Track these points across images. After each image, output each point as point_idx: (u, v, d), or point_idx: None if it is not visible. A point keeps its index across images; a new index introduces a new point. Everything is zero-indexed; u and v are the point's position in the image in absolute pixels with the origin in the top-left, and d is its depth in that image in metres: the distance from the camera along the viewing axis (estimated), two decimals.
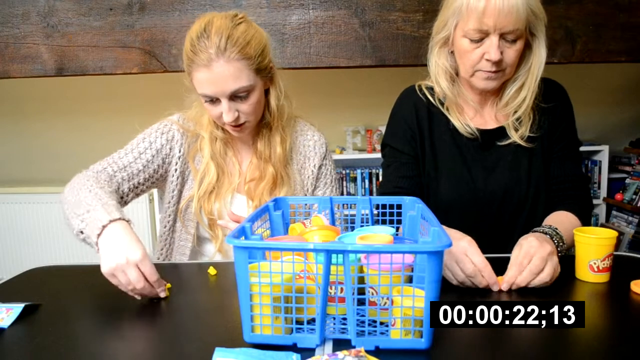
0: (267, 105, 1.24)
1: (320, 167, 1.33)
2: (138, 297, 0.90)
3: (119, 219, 0.93)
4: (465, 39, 1.09)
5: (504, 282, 0.90)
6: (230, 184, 1.26)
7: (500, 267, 0.94)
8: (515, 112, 1.18)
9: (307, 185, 1.31)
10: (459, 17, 1.09)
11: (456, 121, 1.20)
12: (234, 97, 1.12)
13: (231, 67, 1.09)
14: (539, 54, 1.13)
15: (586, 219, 1.17)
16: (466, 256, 0.91)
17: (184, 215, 1.26)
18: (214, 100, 1.13)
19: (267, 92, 1.23)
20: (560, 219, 1.12)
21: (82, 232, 0.96)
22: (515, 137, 1.19)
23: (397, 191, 1.21)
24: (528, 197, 1.19)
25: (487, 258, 0.93)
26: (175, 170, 1.24)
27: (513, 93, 1.17)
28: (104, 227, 0.91)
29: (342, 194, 3.08)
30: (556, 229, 1.03)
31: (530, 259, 0.91)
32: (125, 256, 0.87)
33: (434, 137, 1.23)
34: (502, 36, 1.06)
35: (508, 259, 0.93)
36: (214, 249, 1.26)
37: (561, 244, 1.00)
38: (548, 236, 0.99)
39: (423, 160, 1.24)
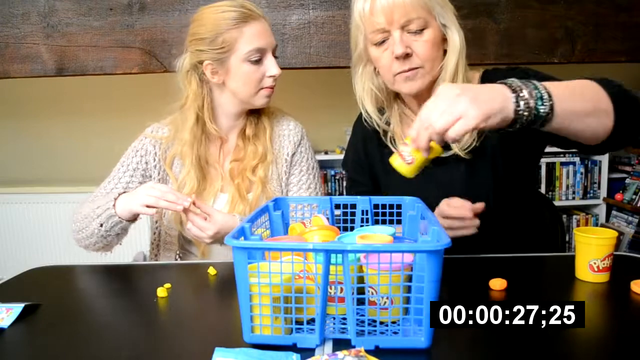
0: None
1: (293, 155, 1.32)
2: (179, 207, 1.07)
3: (121, 193, 1.13)
4: (374, 47, 1.06)
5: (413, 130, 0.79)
6: (212, 187, 1.26)
7: (489, 269, 0.94)
8: None
9: (281, 174, 1.31)
10: (360, 29, 1.07)
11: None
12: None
13: (267, 24, 1.21)
14: (452, 43, 1.05)
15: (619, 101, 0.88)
16: (446, 204, 1.01)
17: (165, 219, 1.28)
18: (258, 61, 1.18)
19: None
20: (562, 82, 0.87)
21: (101, 225, 1.12)
22: (455, 148, 1.09)
23: None
24: (490, 205, 1.05)
25: (467, 259, 0.93)
26: (157, 179, 1.27)
27: None
28: (115, 199, 1.11)
29: (341, 193, 3.07)
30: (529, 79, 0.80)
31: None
32: (142, 192, 1.09)
33: (386, 165, 1.10)
34: (404, 29, 1.02)
35: (487, 259, 0.94)
36: (198, 251, 1.28)
37: (527, 93, 0.77)
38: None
39: (379, 186, 1.26)
